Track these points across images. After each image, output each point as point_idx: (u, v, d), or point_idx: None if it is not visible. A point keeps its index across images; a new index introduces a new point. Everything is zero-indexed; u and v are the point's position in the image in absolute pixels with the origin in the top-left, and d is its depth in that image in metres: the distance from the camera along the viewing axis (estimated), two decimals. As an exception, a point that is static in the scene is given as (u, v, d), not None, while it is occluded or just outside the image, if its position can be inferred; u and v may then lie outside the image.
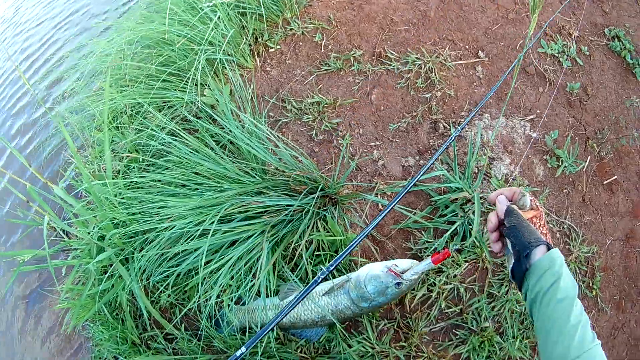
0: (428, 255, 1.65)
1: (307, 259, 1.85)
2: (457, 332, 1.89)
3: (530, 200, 1.15)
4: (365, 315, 1.89)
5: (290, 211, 1.88)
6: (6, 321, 3.38)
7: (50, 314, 3.14)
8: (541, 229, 1.15)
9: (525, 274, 1.08)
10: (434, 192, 1.98)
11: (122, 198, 2.08)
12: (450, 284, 1.90)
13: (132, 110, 2.40)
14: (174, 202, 1.94)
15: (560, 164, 2.15)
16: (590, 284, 2.13)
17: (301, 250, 1.86)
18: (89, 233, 2.10)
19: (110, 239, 2.08)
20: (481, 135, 2.09)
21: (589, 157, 2.22)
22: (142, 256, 1.99)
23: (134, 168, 2.31)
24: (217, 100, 2.12)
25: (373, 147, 2.04)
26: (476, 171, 2.05)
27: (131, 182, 2.16)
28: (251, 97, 2.12)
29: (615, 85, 2.43)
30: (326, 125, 2.07)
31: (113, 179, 2.11)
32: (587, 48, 2.47)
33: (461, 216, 1.95)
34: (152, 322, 2.20)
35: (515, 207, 1.15)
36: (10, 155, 3.93)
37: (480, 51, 2.26)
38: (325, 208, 1.93)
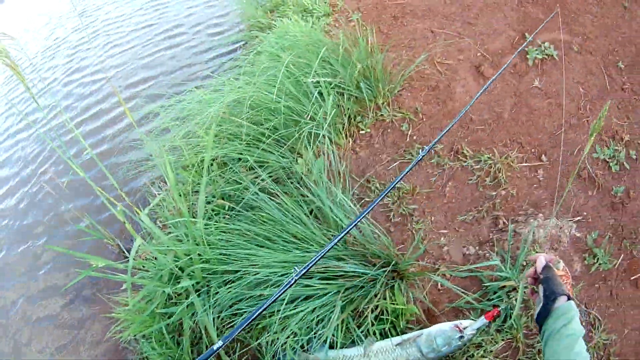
0: (481, 316, 2.04)
1: (371, 321, 2.20)
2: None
3: (562, 266, 1.49)
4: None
5: (364, 279, 2.21)
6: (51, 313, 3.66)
7: (98, 320, 3.38)
8: (566, 285, 1.44)
9: (547, 317, 1.34)
10: (486, 279, 2.28)
11: (208, 238, 2.41)
12: (486, 357, 2.23)
13: (222, 161, 2.70)
14: (263, 253, 2.29)
15: (595, 261, 2.41)
16: (605, 367, 2.44)
17: (367, 313, 2.20)
18: (172, 262, 2.41)
19: (191, 271, 2.42)
20: (533, 233, 2.35)
21: (622, 255, 2.46)
22: (227, 291, 2.35)
23: (218, 213, 2.62)
24: (310, 171, 2.41)
25: (441, 234, 2.33)
26: (524, 264, 2.33)
27: (222, 226, 2.50)
28: (343, 173, 2.40)
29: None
30: (403, 210, 2.36)
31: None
32: (635, 152, 2.65)
33: (505, 302, 2.25)
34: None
35: (551, 265, 1.48)
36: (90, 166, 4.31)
37: (543, 155, 2.48)
38: (393, 280, 2.26)
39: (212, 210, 2.59)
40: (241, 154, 2.56)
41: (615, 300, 2.50)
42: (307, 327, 2.25)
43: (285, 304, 2.27)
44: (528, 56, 2.80)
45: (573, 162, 2.50)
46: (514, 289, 2.28)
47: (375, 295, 2.21)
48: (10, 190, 4.99)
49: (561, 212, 2.44)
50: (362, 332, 2.21)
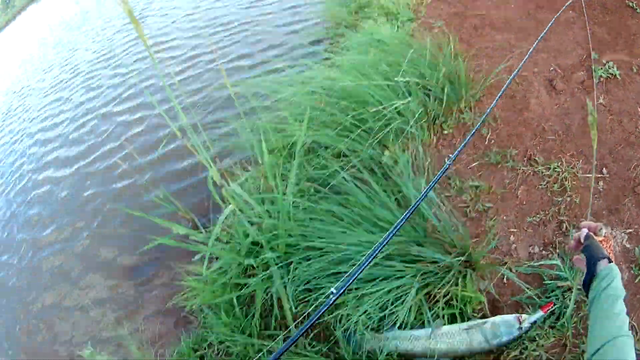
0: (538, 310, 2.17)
1: (442, 306, 2.29)
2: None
3: (605, 232, 1.47)
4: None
5: (440, 265, 2.29)
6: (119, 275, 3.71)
7: (162, 287, 3.42)
8: (607, 250, 1.41)
9: (592, 281, 1.32)
10: (546, 277, 2.38)
11: (295, 214, 2.44)
12: (537, 351, 2.34)
13: (309, 147, 2.73)
14: (348, 233, 2.34)
15: (640, 272, 2.53)
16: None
17: (439, 297, 2.29)
18: (255, 235, 2.43)
19: (274, 245, 2.45)
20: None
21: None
22: (307, 266, 2.41)
23: (303, 196, 2.64)
24: (396, 162, 2.46)
25: (510, 232, 2.42)
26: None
27: (310, 205, 2.54)
28: (427, 166, 2.46)
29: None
30: (479, 207, 2.43)
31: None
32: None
33: (560, 300, 2.36)
34: (278, 324, 2.43)
35: (592, 234, 1.45)
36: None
37: (604, 168, 2.56)
38: (465, 270, 2.34)
39: (299, 192, 2.62)
40: (331, 141, 2.59)
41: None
42: (381, 307, 2.33)
43: (363, 283, 2.34)
44: (594, 74, 2.86)
45: (628, 178, 2.59)
46: (570, 289, 2.38)
47: (448, 282, 2.29)
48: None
49: (616, 223, 2.54)
50: (432, 315, 2.30)
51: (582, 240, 1.43)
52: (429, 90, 2.51)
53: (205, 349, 2.65)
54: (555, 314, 2.37)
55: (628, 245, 2.53)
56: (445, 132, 2.58)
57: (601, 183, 2.55)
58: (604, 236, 1.46)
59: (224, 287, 2.58)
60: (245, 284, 2.51)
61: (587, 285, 1.36)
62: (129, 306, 3.35)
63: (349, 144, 2.56)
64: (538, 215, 2.45)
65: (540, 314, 2.17)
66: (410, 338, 2.29)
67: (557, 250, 2.43)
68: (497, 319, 2.20)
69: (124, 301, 3.40)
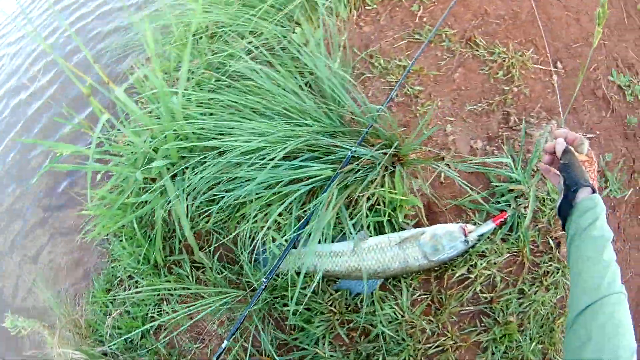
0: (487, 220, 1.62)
1: (365, 212, 1.60)
2: (483, 320, 1.66)
3: (588, 149, 1.12)
4: (405, 282, 1.65)
5: (361, 161, 1.63)
6: (24, 213, 2.99)
7: (71, 219, 2.77)
8: (590, 173, 1.10)
9: (570, 211, 1.04)
10: (494, 179, 1.75)
11: (188, 113, 1.78)
12: (489, 270, 1.67)
13: (214, 31, 2.10)
14: (247, 125, 1.66)
15: (606, 185, 1.95)
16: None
17: (362, 202, 1.61)
18: (144, 141, 1.78)
19: (166, 151, 1.77)
20: (546, 138, 1.87)
21: (632, 189, 2.02)
22: (195, 174, 1.71)
23: (202, 88, 2.00)
24: (307, 41, 1.85)
25: (447, 121, 1.80)
26: (535, 170, 1.82)
27: (203, 98, 1.87)
28: (343, 45, 1.85)
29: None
30: (408, 90, 1.82)
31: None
32: (648, 88, 2.27)
33: (513, 208, 1.72)
34: (183, 247, 1.92)
35: (572, 148, 1.11)
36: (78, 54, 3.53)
37: (559, 62, 2.04)
38: (393, 166, 1.68)
39: (197, 83, 1.95)
40: (232, 20, 1.97)
41: (621, 235, 2.02)
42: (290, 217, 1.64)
43: (265, 191, 1.65)
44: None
45: (588, 78, 2.07)
46: (524, 195, 1.76)
47: (372, 182, 1.63)
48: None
49: (575, 125, 1.99)
50: (354, 225, 1.61)
51: (558, 155, 1.12)
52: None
53: (116, 286, 2.17)
54: (507, 224, 1.72)
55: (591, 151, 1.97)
56: (369, 7, 2.02)
57: (556, 78, 2.02)
58: (587, 155, 1.13)
59: (124, 210, 1.90)
60: (143, 203, 1.79)
61: (563, 212, 1.07)
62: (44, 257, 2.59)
63: (255, 23, 1.94)
64: (480, 104, 1.85)
65: (490, 225, 1.61)
66: (330, 254, 1.58)
67: (505, 148, 1.83)
68: (438, 229, 1.57)
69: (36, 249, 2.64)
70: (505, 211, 1.67)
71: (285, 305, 1.65)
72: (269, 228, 1.62)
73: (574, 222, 1.01)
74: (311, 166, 1.60)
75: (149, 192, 1.78)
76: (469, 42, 1.95)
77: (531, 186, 1.72)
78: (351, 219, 1.60)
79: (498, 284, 1.67)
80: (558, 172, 1.12)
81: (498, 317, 1.66)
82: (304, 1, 1.87)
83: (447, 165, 1.73)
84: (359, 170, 1.64)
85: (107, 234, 2.21)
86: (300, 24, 1.88)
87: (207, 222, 1.80)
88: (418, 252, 1.55)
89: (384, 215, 1.62)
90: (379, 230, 1.66)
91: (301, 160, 1.61)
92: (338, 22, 1.96)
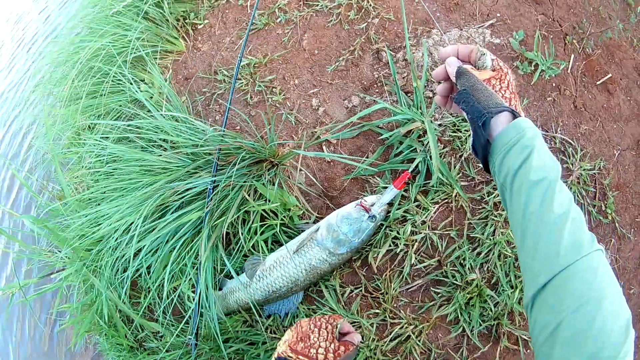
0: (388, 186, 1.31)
1: (244, 236, 1.39)
2: (439, 290, 1.35)
3: (492, 59, 0.78)
4: (325, 285, 1.40)
5: (220, 187, 1.43)
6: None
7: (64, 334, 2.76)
8: (503, 92, 0.76)
9: (490, 151, 0.72)
10: (384, 130, 1.45)
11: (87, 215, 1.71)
12: (420, 233, 1.36)
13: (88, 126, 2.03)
14: (109, 208, 1.55)
15: (534, 68, 1.53)
16: (603, 208, 1.50)
17: (249, 222, 1.41)
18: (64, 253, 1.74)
19: (78, 254, 1.72)
20: (430, 53, 1.53)
21: (572, 55, 1.58)
22: (105, 263, 1.63)
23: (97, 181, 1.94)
24: (152, 95, 1.71)
25: (311, 95, 1.54)
26: (430, 95, 1.49)
27: (85, 196, 1.79)
28: (186, 77, 1.69)
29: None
30: (259, 86, 1.60)
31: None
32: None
33: (420, 151, 1.40)
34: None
35: (469, 67, 0.78)
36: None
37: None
38: (259, 175, 1.46)
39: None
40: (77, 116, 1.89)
41: (584, 114, 1.58)
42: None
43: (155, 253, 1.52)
44: None
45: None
46: (425, 131, 1.43)
47: (236, 202, 1.42)
48: None
49: (464, 21, 1.61)
50: (240, 249, 1.42)
51: (454, 81, 0.79)
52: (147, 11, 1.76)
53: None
54: (421, 172, 1.40)
55: (496, 41, 1.57)
56: (201, 25, 1.79)
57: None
58: (493, 69, 0.79)
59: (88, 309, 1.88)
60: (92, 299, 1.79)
61: (481, 153, 0.74)
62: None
63: (101, 105, 1.84)
64: (342, 58, 1.57)
65: (393, 191, 1.29)
66: (243, 287, 1.41)
67: (386, 88, 1.52)
68: (332, 217, 1.29)
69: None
70: (407, 170, 1.35)
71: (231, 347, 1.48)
72: (175, 289, 1.48)
73: (499, 166, 0.70)
74: (181, 215, 1.43)
75: (87, 293, 1.74)
76: (307, 2, 1.68)
77: (426, 117, 1.39)
78: (237, 246, 1.41)
79: (438, 244, 1.35)
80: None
81: (455, 280, 1.34)
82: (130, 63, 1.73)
83: (328, 140, 1.47)
84: (227, 195, 1.44)
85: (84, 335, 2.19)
86: (144, 80, 1.76)
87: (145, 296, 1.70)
88: (320, 252, 1.29)
89: (277, 227, 1.40)
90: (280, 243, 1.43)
91: (172, 213, 1.45)
92: (179, 56, 1.81)
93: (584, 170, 1.49)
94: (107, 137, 1.76)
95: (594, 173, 1.51)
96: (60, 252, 1.78)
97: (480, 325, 1.34)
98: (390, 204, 1.35)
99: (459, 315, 1.33)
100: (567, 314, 0.53)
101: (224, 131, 1.44)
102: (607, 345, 0.49)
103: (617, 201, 1.54)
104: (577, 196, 1.48)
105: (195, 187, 1.40)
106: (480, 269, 1.36)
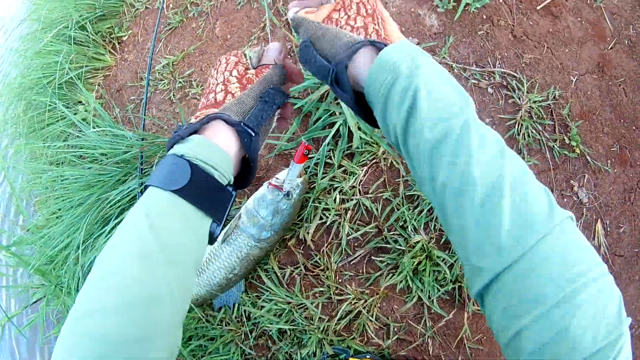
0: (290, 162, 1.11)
1: None
2: (382, 257, 1.19)
3: None
4: (264, 269, 1.27)
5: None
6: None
7: None
8: (352, 23, 0.52)
9: (363, 101, 0.52)
10: (297, 99, 1.33)
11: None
12: (350, 200, 1.21)
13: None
14: (55, 229, 1.51)
15: (456, 2, 1.36)
16: (567, 141, 1.29)
17: None
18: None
19: (46, 277, 1.70)
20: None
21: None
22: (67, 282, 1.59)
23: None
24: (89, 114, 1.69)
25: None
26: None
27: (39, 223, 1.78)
28: (117, 89, 1.66)
29: None
30: (179, 82, 1.52)
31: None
32: None
33: (340, 113, 1.26)
34: None
35: (302, 12, 0.58)
36: None
37: None
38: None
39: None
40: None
41: (527, 42, 1.37)
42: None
43: None
44: None
45: None
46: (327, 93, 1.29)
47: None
48: None
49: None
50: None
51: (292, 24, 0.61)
52: (80, 21, 1.73)
53: None
54: (342, 135, 1.26)
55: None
56: (125, 37, 1.76)
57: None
58: (338, 2, 0.56)
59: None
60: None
61: (356, 112, 0.54)
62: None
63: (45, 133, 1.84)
64: (254, 36, 1.47)
65: (296, 167, 1.08)
66: None
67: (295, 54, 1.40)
68: (250, 203, 1.16)
69: None
70: (303, 141, 1.16)
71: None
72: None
73: (382, 125, 0.50)
74: (119, 222, 1.37)
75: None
76: (217, -10, 1.61)
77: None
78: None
79: (372, 208, 1.20)
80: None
81: (399, 244, 1.17)
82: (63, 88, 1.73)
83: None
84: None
85: None
86: (81, 101, 1.74)
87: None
88: (247, 238, 1.18)
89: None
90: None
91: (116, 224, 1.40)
92: (109, 71, 1.78)
93: (534, 102, 1.29)
94: (59, 163, 1.75)
95: (549, 104, 1.31)
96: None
97: (438, 291, 1.16)
98: (315, 174, 1.22)
99: (410, 282, 1.16)
100: (528, 321, 0.37)
101: (142, 134, 1.38)
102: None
103: (583, 132, 1.32)
104: (532, 132, 1.28)
105: (127, 194, 1.33)
106: (426, 229, 1.19)
